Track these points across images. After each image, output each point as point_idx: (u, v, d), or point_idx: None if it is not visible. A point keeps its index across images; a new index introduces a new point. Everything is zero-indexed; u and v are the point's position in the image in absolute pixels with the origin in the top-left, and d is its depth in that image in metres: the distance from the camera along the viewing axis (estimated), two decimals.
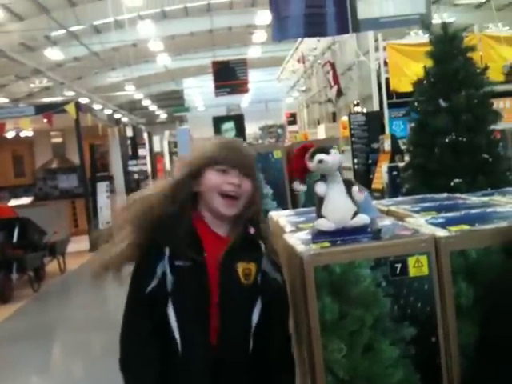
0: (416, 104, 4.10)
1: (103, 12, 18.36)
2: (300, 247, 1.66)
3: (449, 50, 4.00)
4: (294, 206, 4.17)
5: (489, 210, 1.95)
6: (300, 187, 1.74)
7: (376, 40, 10.76)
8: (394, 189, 6.59)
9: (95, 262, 1.66)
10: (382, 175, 7.77)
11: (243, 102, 32.88)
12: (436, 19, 10.76)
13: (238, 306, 1.60)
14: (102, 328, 5.74)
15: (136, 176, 16.10)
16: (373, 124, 10.09)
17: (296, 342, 1.78)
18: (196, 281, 1.58)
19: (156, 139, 22.28)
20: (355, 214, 1.66)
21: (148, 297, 1.58)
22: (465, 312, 1.61)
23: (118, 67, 24.80)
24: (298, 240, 1.75)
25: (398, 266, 1.59)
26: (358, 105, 13.97)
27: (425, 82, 4.11)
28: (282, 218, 2.30)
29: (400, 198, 2.78)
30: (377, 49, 10.87)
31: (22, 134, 12.81)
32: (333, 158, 1.65)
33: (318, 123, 18.73)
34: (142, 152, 17.31)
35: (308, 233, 1.80)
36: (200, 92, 35.02)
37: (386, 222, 1.89)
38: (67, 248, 8.94)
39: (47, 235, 7.91)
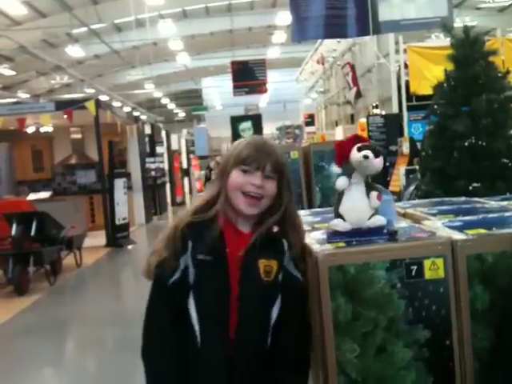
0: (435, 107, 4.08)
1: (124, 10, 18.49)
2: (315, 247, 1.66)
3: (470, 54, 3.97)
4: (310, 206, 4.17)
5: (507, 214, 1.94)
6: (335, 169, 1.73)
7: (396, 42, 10.71)
8: None
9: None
10: (399, 177, 7.73)
11: (261, 102, 32.89)
12: (458, 23, 10.68)
13: (257, 302, 1.63)
14: (116, 323, 5.80)
15: (153, 173, 16.19)
16: (391, 126, 10.05)
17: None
18: (217, 275, 1.62)
19: (174, 137, 22.38)
20: (372, 216, 1.66)
21: (171, 288, 1.63)
22: (480, 316, 1.60)
23: (138, 65, 24.94)
24: (313, 240, 1.76)
25: (414, 268, 1.58)
26: (376, 107, 13.91)
27: (445, 85, 4.07)
28: None
29: (417, 201, 2.76)
30: (397, 51, 10.82)
31: (42, 130, 12.96)
32: (378, 161, 1.64)
33: (336, 125, 18.69)
34: (159, 150, 17.40)
35: (323, 233, 1.80)
36: (218, 91, 35.15)
37: (402, 224, 1.88)
38: (84, 243, 9.03)
39: (64, 229, 8.00)
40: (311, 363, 1.73)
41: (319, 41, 17.02)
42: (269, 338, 1.65)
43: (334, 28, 8.98)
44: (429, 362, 1.58)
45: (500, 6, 19.26)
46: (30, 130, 12.75)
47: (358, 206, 1.66)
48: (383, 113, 12.01)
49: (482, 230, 1.67)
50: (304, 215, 2.39)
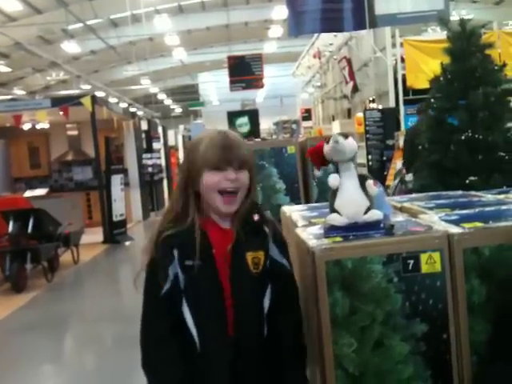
0: (432, 101, 4.07)
1: (120, 6, 18.42)
2: (312, 242, 1.66)
3: (466, 47, 3.96)
4: (307, 201, 4.17)
5: (503, 207, 1.94)
6: (317, 172, 1.74)
7: (393, 36, 10.71)
8: None
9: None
10: (396, 172, 7.73)
11: (258, 97, 32.87)
12: (454, 16, 10.67)
13: (250, 294, 1.63)
14: (115, 319, 5.79)
15: (150, 169, 16.15)
16: (388, 120, 10.06)
17: (306, 336, 1.79)
18: (207, 277, 1.61)
19: (171, 133, 22.32)
20: (368, 210, 1.66)
21: (164, 298, 1.62)
22: (477, 309, 1.60)
23: (134, 61, 24.89)
24: (310, 234, 1.75)
25: (411, 262, 1.58)
26: (373, 101, 13.90)
27: (442, 78, 4.07)
28: (294, 212, 2.30)
29: (414, 195, 2.76)
30: (394, 45, 10.81)
31: (38, 126, 12.91)
32: (350, 142, 1.64)
33: (333, 119, 18.68)
34: (156, 146, 17.34)
35: (320, 227, 1.80)
36: (215, 87, 35.06)
37: (399, 218, 1.88)
38: (81, 239, 9.02)
39: (61, 226, 7.98)
40: (308, 358, 1.73)
41: (316, 35, 16.98)
42: (265, 327, 1.65)
43: (331, 22, 8.97)
44: (426, 356, 1.58)
45: None
46: (27, 126, 12.70)
47: (353, 199, 1.66)
48: (380, 107, 12.00)
49: (479, 224, 1.67)
50: (301, 210, 2.39)
